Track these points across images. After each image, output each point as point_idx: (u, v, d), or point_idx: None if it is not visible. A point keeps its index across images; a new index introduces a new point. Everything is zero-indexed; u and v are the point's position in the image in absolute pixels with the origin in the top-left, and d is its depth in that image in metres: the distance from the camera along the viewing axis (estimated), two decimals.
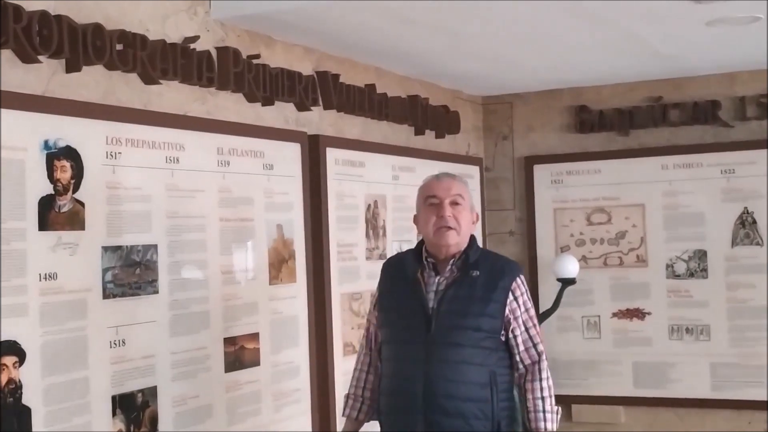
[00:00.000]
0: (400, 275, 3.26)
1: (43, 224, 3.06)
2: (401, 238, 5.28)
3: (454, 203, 3.21)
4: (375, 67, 5.15)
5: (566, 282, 5.92)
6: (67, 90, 3.21)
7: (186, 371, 3.67)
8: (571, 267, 5.92)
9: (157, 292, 3.54)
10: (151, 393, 3.50)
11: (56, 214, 3.12)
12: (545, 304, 6.12)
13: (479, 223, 3.30)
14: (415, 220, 3.37)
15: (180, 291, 3.65)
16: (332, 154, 4.66)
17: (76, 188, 3.19)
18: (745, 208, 5.85)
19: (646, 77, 5.95)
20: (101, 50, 3.27)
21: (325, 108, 4.65)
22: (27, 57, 3.02)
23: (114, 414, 3.33)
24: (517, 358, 3.20)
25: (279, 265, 4.25)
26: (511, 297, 3.17)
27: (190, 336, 3.70)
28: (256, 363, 4.05)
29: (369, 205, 4.98)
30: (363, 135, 5.05)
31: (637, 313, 6.09)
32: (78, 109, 3.22)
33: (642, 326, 6.08)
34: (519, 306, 3.19)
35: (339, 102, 4.70)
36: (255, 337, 4.07)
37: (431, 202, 3.23)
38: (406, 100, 5.40)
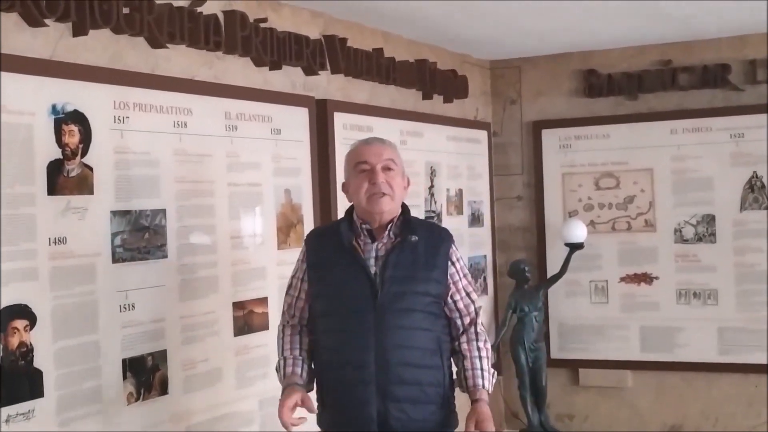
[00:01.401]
0: (333, 245, 3.09)
1: (52, 189, 3.07)
2: (409, 202, 5.23)
3: (387, 168, 3.06)
4: (383, 32, 5.12)
5: (574, 247, 5.93)
6: (74, 54, 3.20)
7: (195, 335, 3.69)
8: (579, 232, 5.92)
9: (166, 256, 3.55)
10: (161, 357, 3.52)
11: (65, 178, 3.12)
12: (553, 269, 6.13)
13: (410, 188, 3.20)
14: (344, 187, 3.20)
15: (189, 255, 3.66)
16: (340, 119, 4.65)
17: (84, 153, 3.20)
18: (755, 172, 5.83)
19: (655, 40, 5.90)
20: (108, 14, 3.26)
21: (333, 72, 4.63)
22: (34, 21, 3.02)
23: (124, 377, 3.35)
24: (458, 322, 3.13)
25: (287, 229, 4.25)
26: (449, 262, 3.11)
27: (199, 300, 3.72)
28: (264, 327, 4.07)
29: None
30: (371, 99, 5.03)
31: (645, 278, 6.10)
32: (85, 73, 3.22)
33: (649, 291, 6.08)
34: (457, 271, 3.14)
35: (346, 66, 4.68)
36: (263, 301, 4.08)
37: (362, 168, 3.07)
38: (414, 65, 5.38)
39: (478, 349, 3.13)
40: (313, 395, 3.21)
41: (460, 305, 3.14)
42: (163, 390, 3.52)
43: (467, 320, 3.15)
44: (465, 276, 3.17)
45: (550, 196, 6.31)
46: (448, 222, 5.68)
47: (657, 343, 6.06)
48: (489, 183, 6.33)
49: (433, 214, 5.53)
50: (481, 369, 3.11)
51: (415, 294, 3.03)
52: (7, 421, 2.90)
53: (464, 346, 3.14)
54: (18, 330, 2.94)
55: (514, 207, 6.46)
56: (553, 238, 6.21)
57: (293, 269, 3.34)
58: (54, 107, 3.09)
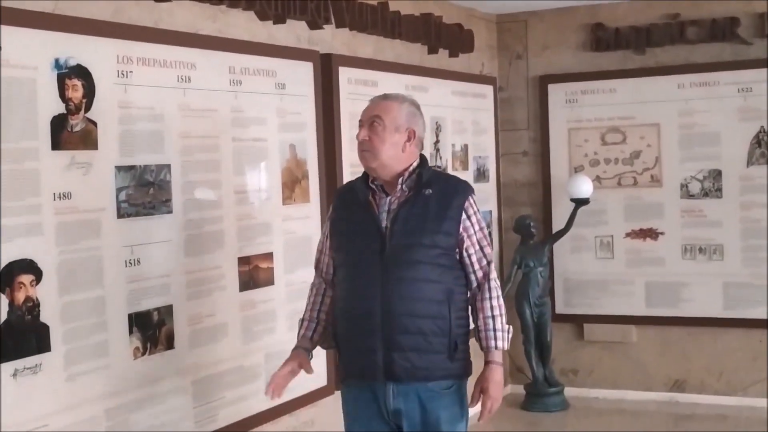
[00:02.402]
0: (352, 200, 3.17)
1: (56, 144, 3.06)
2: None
3: (371, 124, 3.11)
4: None
5: (580, 202, 5.92)
6: (77, 8, 3.17)
7: (201, 290, 3.70)
8: (584, 187, 5.91)
9: (171, 211, 3.55)
10: (167, 311, 3.53)
11: (69, 133, 3.11)
12: (558, 225, 6.13)
13: (417, 139, 3.16)
14: None
15: (194, 211, 3.66)
16: (345, 74, 4.62)
17: (88, 107, 3.18)
18: (762, 127, 5.80)
19: None
20: None
21: (338, 26, 4.59)
22: None
23: (131, 332, 3.37)
24: (472, 277, 3.16)
25: (292, 185, 4.25)
26: (464, 215, 3.13)
27: (204, 256, 3.72)
28: (270, 282, 4.08)
29: None
30: (376, 54, 4.99)
31: (651, 233, 6.09)
32: (88, 28, 3.19)
33: (655, 246, 6.08)
34: (473, 224, 3.15)
35: (351, 20, 4.64)
36: (269, 256, 4.09)
37: (359, 125, 3.18)
38: (420, 19, 5.33)
39: (492, 308, 3.16)
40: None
41: (474, 259, 3.15)
42: (170, 345, 3.54)
43: (480, 274, 3.16)
44: (481, 229, 3.18)
45: (555, 151, 6.29)
46: None
47: (662, 298, 6.08)
48: (494, 138, 6.30)
49: (438, 169, 5.51)
50: (494, 329, 3.15)
51: (421, 246, 3.06)
52: (14, 374, 2.91)
53: (478, 304, 3.17)
54: (24, 285, 2.95)
55: (519, 162, 6.44)
56: (559, 194, 6.19)
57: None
58: (57, 61, 3.07)
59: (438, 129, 5.52)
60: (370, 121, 3.12)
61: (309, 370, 3.25)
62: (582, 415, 5.92)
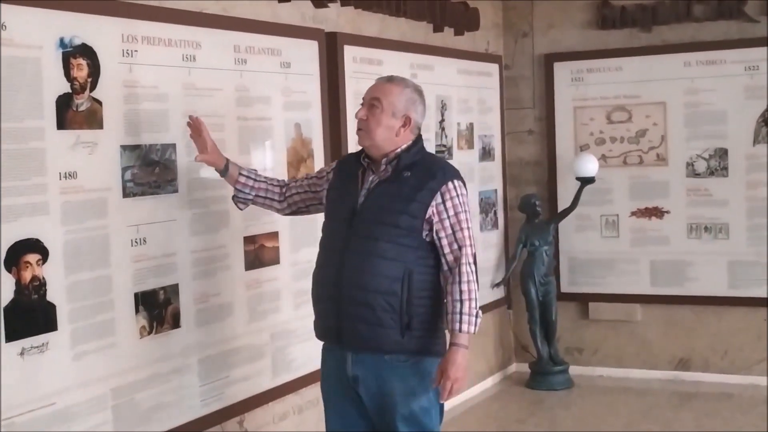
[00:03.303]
0: (346, 172, 3.35)
1: (62, 123, 3.06)
2: None
3: (370, 105, 3.22)
4: None
5: (585, 181, 5.91)
6: None
7: (206, 269, 3.71)
8: (590, 166, 5.90)
9: (176, 191, 3.55)
10: (173, 291, 3.54)
11: (74, 112, 3.11)
12: (564, 203, 6.13)
13: (412, 126, 3.25)
14: None
15: (199, 190, 3.66)
16: (350, 52, 4.60)
17: (93, 87, 3.18)
18: None
19: None
20: None
21: (343, 4, 4.57)
22: None
23: (137, 311, 3.38)
24: (443, 260, 3.22)
25: (297, 164, 4.24)
26: (439, 199, 3.18)
27: (210, 235, 3.73)
28: (275, 261, 4.09)
29: None
30: (381, 32, 4.98)
31: (656, 212, 6.09)
32: (93, 6, 3.18)
33: (660, 225, 6.08)
34: (446, 209, 3.19)
35: None
36: (274, 236, 4.09)
37: (361, 104, 3.29)
38: None
39: (460, 292, 3.19)
40: None
41: (444, 242, 3.20)
42: (176, 323, 3.55)
43: (451, 258, 3.21)
44: (456, 214, 3.20)
45: (561, 130, 6.28)
46: (459, 156, 5.67)
47: (667, 277, 6.08)
48: (500, 117, 6.29)
49: (443, 148, 5.51)
50: (460, 313, 3.18)
51: (383, 224, 3.16)
52: (21, 353, 2.93)
53: (449, 287, 3.22)
54: (30, 264, 2.96)
55: (525, 141, 6.42)
56: (564, 173, 6.19)
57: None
58: (62, 40, 3.07)
59: (443, 108, 5.51)
60: (370, 102, 3.24)
61: (198, 157, 3.42)
62: (587, 394, 5.94)
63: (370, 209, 3.20)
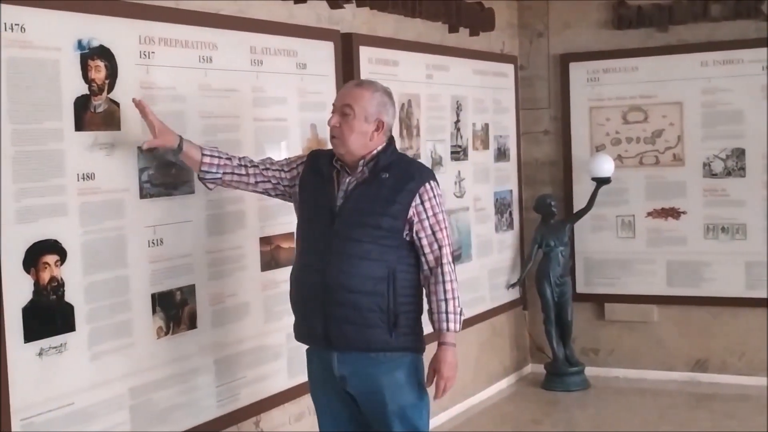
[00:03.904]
0: (319, 170, 3.34)
1: (80, 124, 3.08)
2: (435, 137, 5.25)
3: (342, 113, 3.23)
4: None
5: (601, 181, 5.90)
6: None
7: (223, 270, 3.72)
8: (606, 166, 5.89)
9: (192, 192, 3.56)
10: (189, 291, 3.55)
11: (92, 114, 3.12)
12: (579, 204, 6.11)
13: (385, 128, 3.29)
14: None
15: (216, 191, 3.66)
16: (365, 53, 4.61)
17: (110, 88, 3.19)
18: None
19: None
20: None
21: (358, 5, 4.58)
22: None
23: (154, 311, 3.39)
24: (423, 260, 3.27)
25: None
26: (417, 200, 3.22)
27: (226, 235, 3.74)
28: (291, 262, 4.07)
29: (403, 105, 4.94)
30: (396, 33, 4.98)
31: (673, 213, 6.07)
32: (110, 8, 3.20)
33: (677, 225, 6.06)
34: (425, 209, 3.24)
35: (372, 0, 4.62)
36: (290, 236, 4.09)
37: (332, 111, 3.29)
38: None
39: (444, 291, 3.25)
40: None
41: (424, 242, 3.25)
42: (192, 324, 3.56)
43: (431, 258, 3.26)
44: (435, 215, 3.25)
45: (577, 130, 6.27)
46: (474, 156, 5.66)
47: (683, 277, 6.06)
48: (515, 117, 6.28)
49: (458, 149, 5.51)
50: (446, 312, 3.25)
51: (365, 226, 3.18)
52: (40, 354, 2.94)
53: (432, 287, 3.27)
54: (49, 265, 2.98)
55: (540, 141, 6.41)
56: (580, 173, 6.17)
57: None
58: (80, 42, 3.08)
59: (458, 108, 5.51)
60: (341, 109, 3.24)
61: (146, 144, 3.21)
62: (603, 395, 5.92)
63: (351, 211, 3.21)
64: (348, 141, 3.23)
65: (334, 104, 3.30)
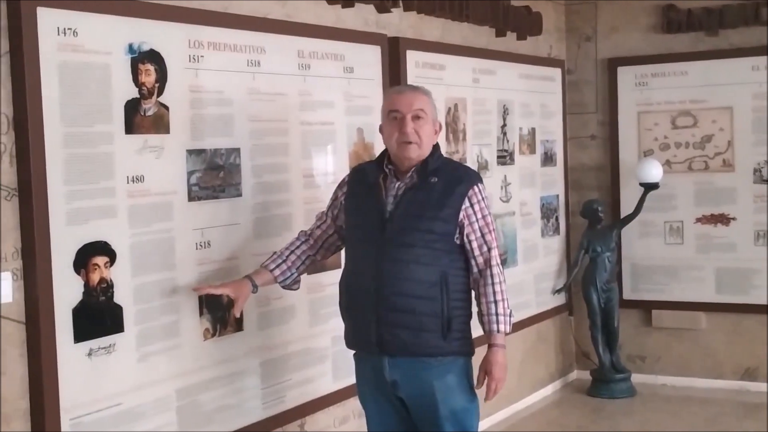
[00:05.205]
0: (362, 181, 3.34)
1: (130, 128, 3.11)
2: (481, 141, 5.24)
3: (416, 117, 3.23)
4: None
5: (649, 187, 5.84)
6: None
7: None
8: (654, 171, 5.83)
9: (240, 195, 3.59)
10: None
11: (142, 117, 3.16)
12: (627, 209, 6.06)
13: (442, 132, 3.36)
14: (380, 130, 3.40)
15: (262, 194, 3.70)
16: (412, 57, 4.61)
17: (160, 92, 3.23)
18: None
19: None
20: None
21: (405, 10, 4.58)
22: None
23: (201, 313, 3.42)
24: (473, 263, 3.28)
25: None
26: (467, 203, 3.24)
27: (272, 238, 3.75)
28: (337, 266, 4.08)
29: (449, 109, 4.93)
30: (443, 37, 4.97)
31: (722, 219, 5.99)
32: (160, 13, 3.23)
33: (726, 232, 5.98)
34: (475, 212, 3.26)
35: (419, 3, 4.63)
36: None
37: (394, 116, 3.26)
38: (487, 1, 5.28)
39: (494, 293, 3.28)
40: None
41: (474, 245, 3.26)
42: (239, 326, 3.59)
43: (481, 260, 3.28)
44: (484, 217, 3.28)
45: (624, 134, 6.21)
46: (521, 161, 5.64)
47: (733, 284, 5.97)
48: (562, 122, 6.24)
49: (505, 153, 5.48)
50: (496, 314, 3.27)
51: (417, 230, 3.19)
52: (89, 354, 2.98)
53: (481, 289, 3.29)
54: (99, 267, 3.01)
55: (587, 146, 6.36)
56: (627, 178, 6.12)
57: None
58: (130, 46, 3.12)
59: (505, 112, 5.48)
60: (415, 113, 3.25)
61: (236, 310, 3.34)
62: (649, 402, 5.86)
63: (402, 216, 3.21)
64: (425, 145, 3.26)
65: (396, 110, 3.25)
